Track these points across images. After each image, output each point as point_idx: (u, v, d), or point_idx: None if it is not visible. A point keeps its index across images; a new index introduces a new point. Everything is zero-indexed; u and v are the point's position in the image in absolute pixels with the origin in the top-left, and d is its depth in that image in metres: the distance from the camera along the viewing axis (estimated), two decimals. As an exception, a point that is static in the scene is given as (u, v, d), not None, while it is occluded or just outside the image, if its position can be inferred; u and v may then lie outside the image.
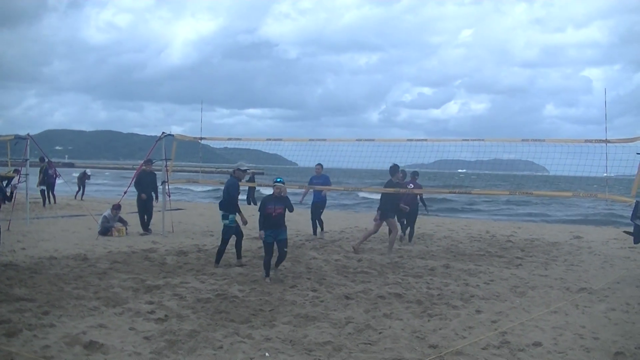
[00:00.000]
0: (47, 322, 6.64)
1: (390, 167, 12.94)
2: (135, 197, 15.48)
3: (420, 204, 15.24)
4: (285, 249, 9.72)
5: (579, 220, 30.01)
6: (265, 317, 7.28)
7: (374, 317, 7.38)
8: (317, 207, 15.30)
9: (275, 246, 9.69)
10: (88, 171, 30.26)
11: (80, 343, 5.93)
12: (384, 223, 12.80)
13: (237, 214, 10.76)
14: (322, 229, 15.37)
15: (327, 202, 15.66)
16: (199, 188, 44.23)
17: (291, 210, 9.80)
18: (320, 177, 15.14)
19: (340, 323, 7.05)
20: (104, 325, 6.62)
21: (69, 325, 6.60)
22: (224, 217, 10.76)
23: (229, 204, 10.76)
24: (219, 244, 10.92)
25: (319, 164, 15.18)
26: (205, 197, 40.91)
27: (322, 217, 15.31)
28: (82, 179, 27.88)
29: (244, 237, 11.25)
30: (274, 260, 9.74)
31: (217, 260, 10.79)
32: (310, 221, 15.47)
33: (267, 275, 9.49)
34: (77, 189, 27.59)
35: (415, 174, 14.84)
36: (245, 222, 10.88)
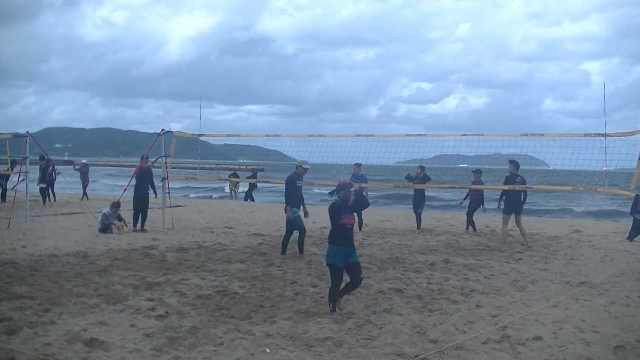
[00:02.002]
0: (47, 319, 6.64)
1: (512, 161, 12.88)
2: (133, 195, 15.42)
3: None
4: (361, 275, 7.46)
5: (579, 214, 30.04)
6: (266, 313, 7.28)
7: (374, 312, 7.38)
8: None
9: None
10: (84, 160, 28.98)
11: (81, 340, 5.93)
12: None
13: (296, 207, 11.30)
14: (359, 228, 15.68)
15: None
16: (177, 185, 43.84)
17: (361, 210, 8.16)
18: (359, 177, 15.39)
19: (340, 318, 7.05)
20: (104, 323, 6.62)
21: (69, 322, 6.61)
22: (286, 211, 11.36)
23: (287, 198, 11.37)
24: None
25: (357, 164, 15.39)
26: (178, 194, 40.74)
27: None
28: (86, 173, 26.21)
29: (248, 233, 11.40)
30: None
31: (283, 251, 11.46)
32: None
33: (334, 309, 7.34)
34: (82, 188, 25.93)
35: (478, 172, 15.48)
36: (306, 214, 11.47)
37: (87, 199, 25.35)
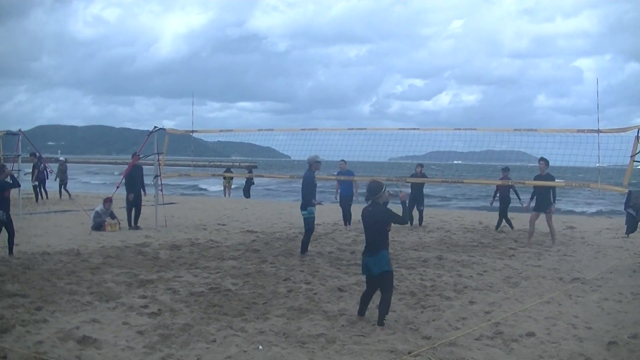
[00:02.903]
0: (40, 317, 6.63)
1: (543, 159, 12.78)
2: (126, 193, 15.36)
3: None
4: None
5: (572, 211, 30.13)
6: (259, 310, 7.28)
7: (367, 309, 7.38)
8: (347, 200, 15.72)
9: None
10: (62, 157, 27.50)
11: (74, 338, 5.91)
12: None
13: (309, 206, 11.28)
14: (349, 223, 15.77)
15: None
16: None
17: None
18: (345, 173, 15.44)
19: (333, 315, 7.05)
20: (97, 320, 6.61)
21: (62, 320, 6.59)
22: (302, 209, 11.41)
23: (303, 197, 11.39)
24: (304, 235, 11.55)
25: (343, 160, 15.42)
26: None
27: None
28: (64, 171, 24.69)
29: (241, 230, 11.37)
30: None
31: (303, 250, 11.36)
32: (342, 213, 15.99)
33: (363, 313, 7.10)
34: (62, 185, 24.35)
35: (506, 170, 15.37)
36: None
37: (68, 196, 24.10)
